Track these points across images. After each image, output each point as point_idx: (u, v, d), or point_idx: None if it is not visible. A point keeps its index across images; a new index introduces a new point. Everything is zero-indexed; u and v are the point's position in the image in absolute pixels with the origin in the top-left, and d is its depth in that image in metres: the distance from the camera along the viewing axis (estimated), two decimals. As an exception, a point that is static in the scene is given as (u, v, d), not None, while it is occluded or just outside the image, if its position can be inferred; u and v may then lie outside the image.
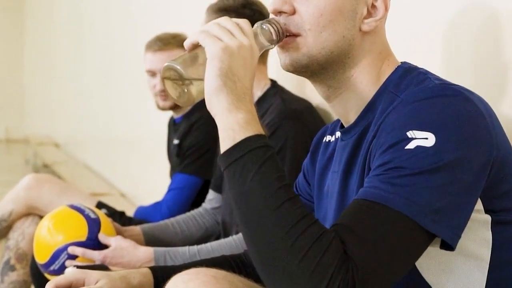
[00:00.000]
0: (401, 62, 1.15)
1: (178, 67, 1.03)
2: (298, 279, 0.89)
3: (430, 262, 1.03)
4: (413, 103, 1.02)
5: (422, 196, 0.94)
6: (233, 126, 0.98)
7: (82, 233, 1.79)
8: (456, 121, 0.98)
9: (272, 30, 1.09)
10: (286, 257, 0.90)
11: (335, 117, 1.21)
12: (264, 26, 1.09)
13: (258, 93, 1.91)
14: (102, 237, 1.79)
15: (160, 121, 3.02)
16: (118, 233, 1.89)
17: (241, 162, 0.96)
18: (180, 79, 1.04)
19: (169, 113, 2.73)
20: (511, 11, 1.29)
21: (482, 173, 0.99)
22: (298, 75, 1.15)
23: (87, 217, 1.81)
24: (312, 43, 1.10)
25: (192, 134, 2.54)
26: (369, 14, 1.12)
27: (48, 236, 1.81)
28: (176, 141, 2.60)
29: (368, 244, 0.92)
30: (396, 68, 1.13)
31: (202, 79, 1.02)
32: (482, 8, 1.37)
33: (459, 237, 0.97)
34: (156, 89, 2.59)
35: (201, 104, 2.55)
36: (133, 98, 4.08)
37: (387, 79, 1.13)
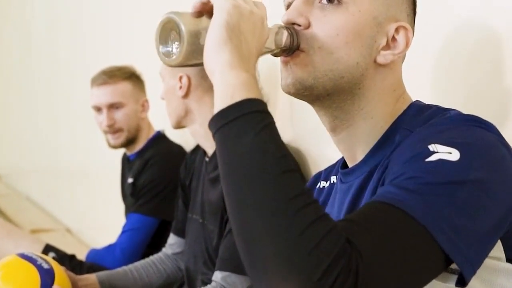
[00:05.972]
0: (415, 100, 1.06)
1: (181, 26, 0.90)
2: (293, 259, 0.74)
3: None
4: (434, 126, 0.93)
5: (443, 208, 0.81)
6: (234, 83, 0.84)
7: (33, 286, 1.64)
8: (483, 145, 0.88)
9: (286, 35, 0.98)
10: (283, 233, 0.75)
11: (340, 153, 1.11)
12: (280, 28, 0.98)
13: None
14: (56, 290, 1.66)
15: (111, 153, 2.88)
16: (73, 282, 1.75)
17: (239, 123, 0.81)
18: (177, 34, 0.91)
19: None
20: (503, 37, 1.24)
21: (508, 211, 0.87)
22: (300, 98, 1.02)
23: (39, 267, 1.67)
24: (319, 62, 0.99)
25: (146, 172, 2.42)
26: (388, 47, 1.02)
27: (-5, 289, 1.67)
28: (130, 180, 2.48)
29: (375, 238, 0.77)
30: (409, 105, 1.04)
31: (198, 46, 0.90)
32: (473, 33, 1.31)
33: (474, 271, 0.83)
34: (103, 125, 2.48)
35: (156, 141, 2.51)
36: (82, 129, 3.94)
37: (400, 115, 1.03)
